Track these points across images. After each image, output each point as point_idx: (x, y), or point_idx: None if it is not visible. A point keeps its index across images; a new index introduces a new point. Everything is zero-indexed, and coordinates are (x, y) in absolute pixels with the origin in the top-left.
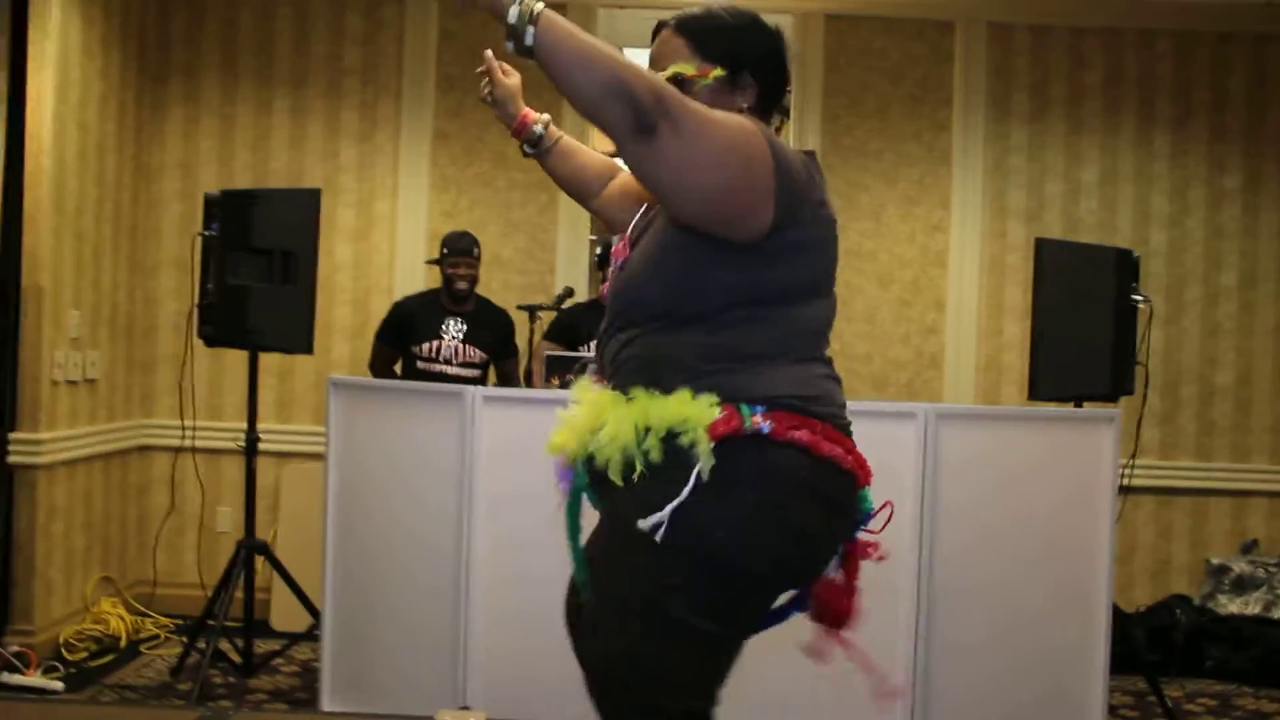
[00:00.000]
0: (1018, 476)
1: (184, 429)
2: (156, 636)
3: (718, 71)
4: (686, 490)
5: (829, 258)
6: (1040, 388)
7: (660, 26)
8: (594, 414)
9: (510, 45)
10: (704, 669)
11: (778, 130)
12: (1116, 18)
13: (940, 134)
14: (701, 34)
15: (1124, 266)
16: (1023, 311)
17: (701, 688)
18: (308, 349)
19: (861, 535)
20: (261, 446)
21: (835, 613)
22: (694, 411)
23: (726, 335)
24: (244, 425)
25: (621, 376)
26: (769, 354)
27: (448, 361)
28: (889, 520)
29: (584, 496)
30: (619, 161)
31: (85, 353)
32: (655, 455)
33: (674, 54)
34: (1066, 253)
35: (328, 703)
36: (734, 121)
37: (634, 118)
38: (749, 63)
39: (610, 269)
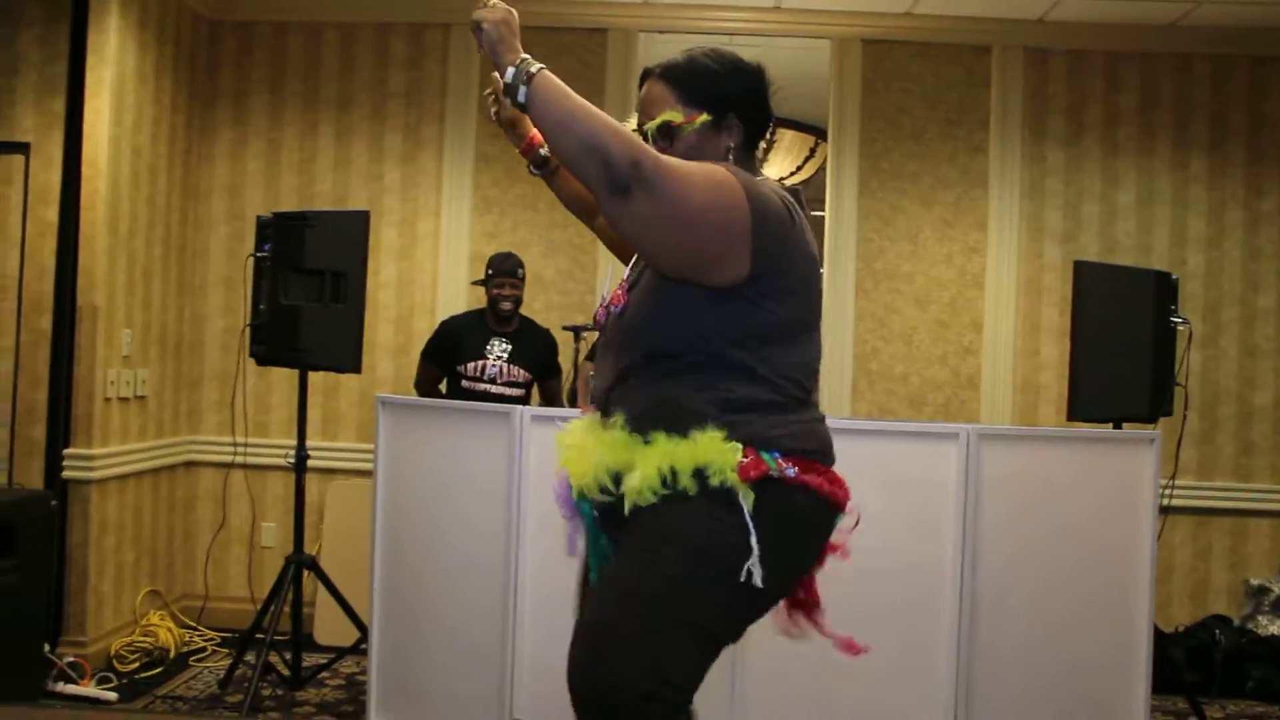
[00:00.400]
0: (1058, 496)
1: (235, 446)
2: (203, 649)
3: (704, 117)
4: (750, 524)
5: (815, 295)
6: (1080, 409)
7: (646, 75)
8: (612, 453)
9: (507, 100)
10: (687, 661)
11: (766, 151)
12: (1152, 43)
13: (976, 157)
14: (686, 81)
15: (1163, 289)
16: (1059, 332)
17: (679, 676)
18: (356, 368)
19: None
20: (293, 463)
21: (809, 598)
22: (719, 455)
23: (731, 381)
24: (289, 441)
25: (639, 422)
26: (778, 402)
27: (492, 381)
28: (855, 524)
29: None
30: None
31: (136, 370)
32: (691, 491)
33: (660, 101)
34: (1106, 275)
35: (375, 716)
36: (711, 179)
37: (609, 177)
38: (732, 105)
39: (605, 313)
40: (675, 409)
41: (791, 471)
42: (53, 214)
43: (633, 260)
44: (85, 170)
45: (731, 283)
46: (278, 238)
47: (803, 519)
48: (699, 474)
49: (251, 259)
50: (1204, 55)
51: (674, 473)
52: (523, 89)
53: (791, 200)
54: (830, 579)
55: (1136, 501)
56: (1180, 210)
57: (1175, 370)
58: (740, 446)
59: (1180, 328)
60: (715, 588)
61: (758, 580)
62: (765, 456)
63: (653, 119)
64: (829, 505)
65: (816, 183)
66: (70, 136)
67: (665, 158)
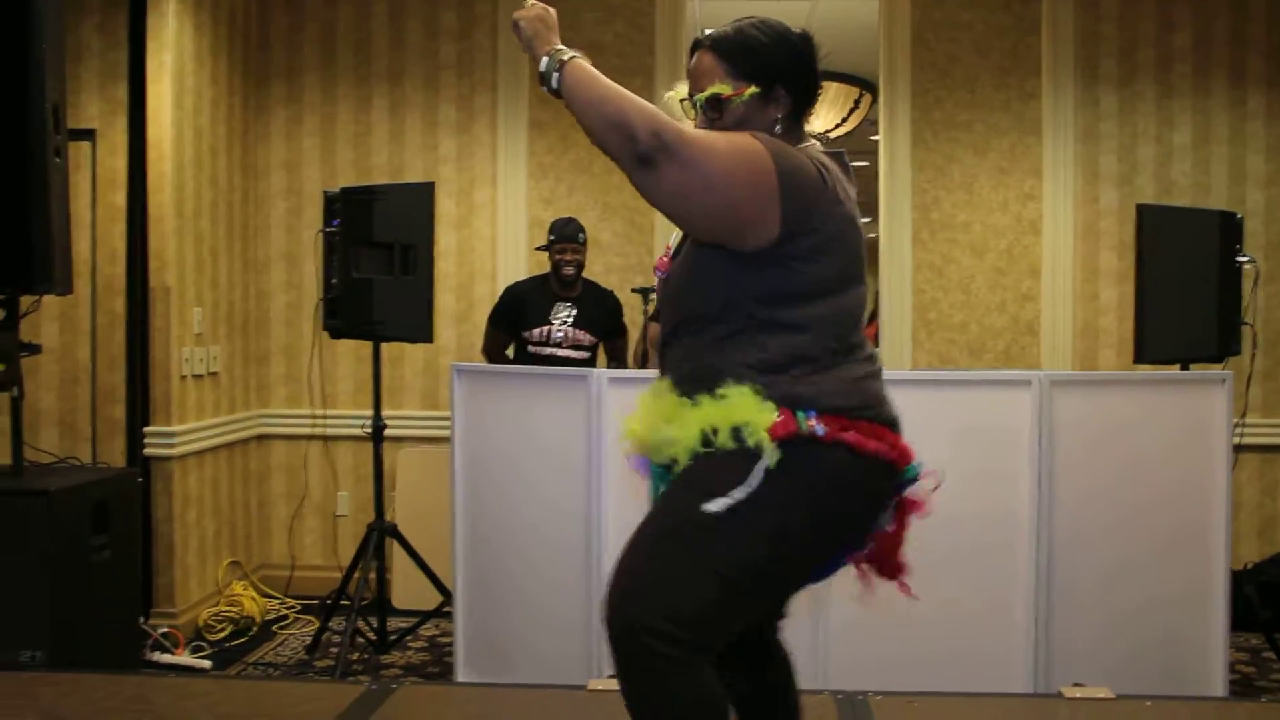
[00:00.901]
0: (1130, 438)
1: (313, 418)
2: (285, 617)
3: (752, 89)
4: (757, 480)
5: (850, 251)
6: (1148, 352)
7: (696, 46)
8: (662, 414)
9: (543, 86)
10: (706, 607)
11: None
12: None
13: (1030, 103)
14: (735, 53)
15: (1228, 229)
16: (1118, 276)
17: (692, 619)
18: (428, 338)
19: (912, 494)
20: (370, 432)
21: (891, 563)
22: (754, 415)
23: (772, 345)
24: (356, 412)
25: (685, 384)
26: (812, 357)
27: (558, 345)
28: (937, 486)
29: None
30: None
31: (208, 347)
32: (729, 449)
33: (710, 74)
34: (1169, 218)
35: (463, 675)
36: (734, 145)
37: (633, 151)
38: (780, 77)
39: (657, 282)
40: (714, 371)
41: (821, 430)
42: (121, 198)
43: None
44: (151, 154)
45: (765, 243)
46: (346, 212)
47: (838, 477)
48: (736, 433)
49: (321, 234)
50: None
51: (714, 432)
52: (555, 75)
53: (825, 162)
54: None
55: (1209, 442)
56: (1238, 148)
57: (1241, 310)
58: (775, 406)
59: (1246, 267)
60: (740, 539)
61: (716, 510)
62: (798, 415)
63: (702, 90)
64: (872, 462)
65: (860, 134)
66: (134, 121)
67: (688, 128)
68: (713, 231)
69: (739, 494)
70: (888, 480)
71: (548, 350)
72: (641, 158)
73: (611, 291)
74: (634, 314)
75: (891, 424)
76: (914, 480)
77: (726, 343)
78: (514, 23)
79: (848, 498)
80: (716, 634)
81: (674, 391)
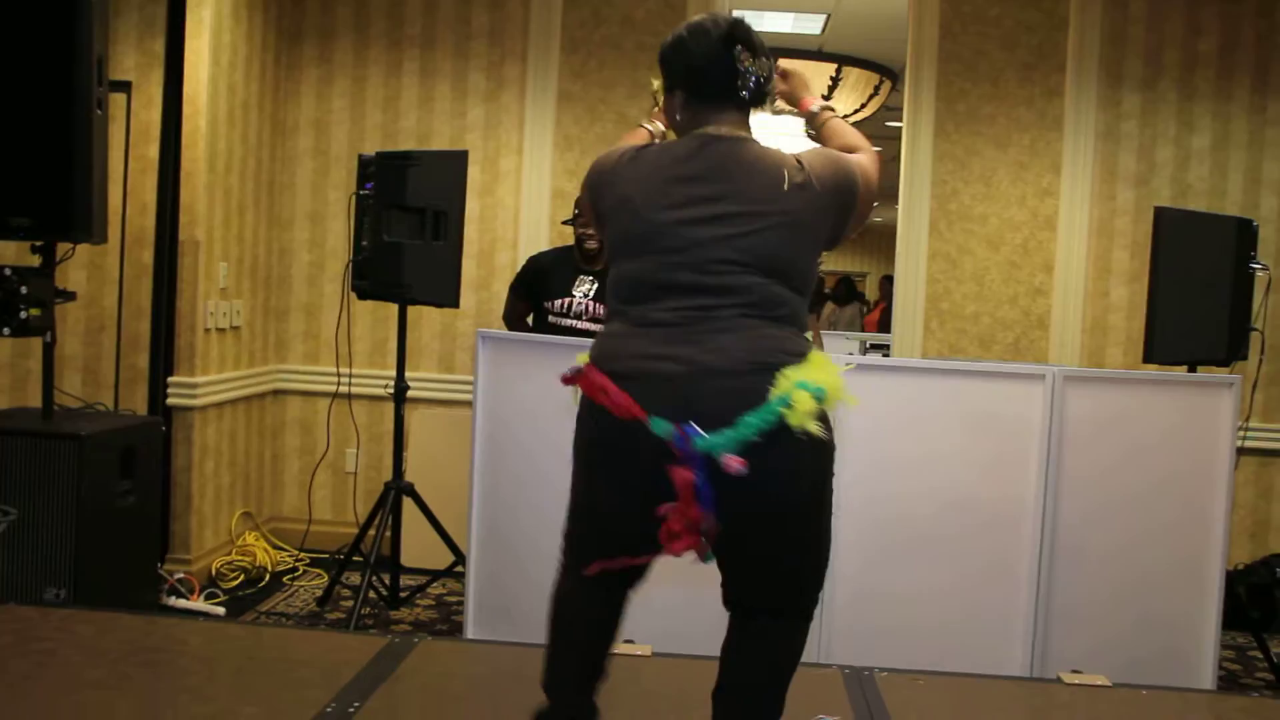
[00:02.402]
0: (1139, 437)
1: (338, 376)
2: (295, 569)
3: (656, 87)
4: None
5: (619, 227)
6: (1157, 352)
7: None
8: None
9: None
10: (567, 536)
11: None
12: None
13: (1053, 100)
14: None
15: (1244, 235)
16: (1130, 275)
17: (566, 547)
18: (455, 303)
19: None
20: (392, 392)
21: (673, 533)
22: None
23: None
24: (373, 371)
25: None
26: (605, 318)
27: (578, 317)
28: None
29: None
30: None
31: (232, 302)
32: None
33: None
34: (1186, 221)
35: (472, 633)
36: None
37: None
38: (669, 75)
39: None
40: None
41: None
42: (153, 151)
43: None
44: (186, 109)
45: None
46: (380, 176)
47: (579, 414)
48: None
49: (354, 197)
50: None
51: None
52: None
53: (645, 152)
54: (913, 514)
55: (1214, 444)
56: (1255, 154)
57: (1252, 316)
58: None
59: (1260, 274)
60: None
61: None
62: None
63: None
64: (587, 403)
65: (877, 120)
66: (170, 76)
67: None
68: None
69: None
70: (617, 427)
71: (567, 322)
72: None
73: None
74: None
75: (618, 376)
76: (667, 438)
77: None
78: (782, 72)
79: (581, 429)
80: (573, 557)
81: None
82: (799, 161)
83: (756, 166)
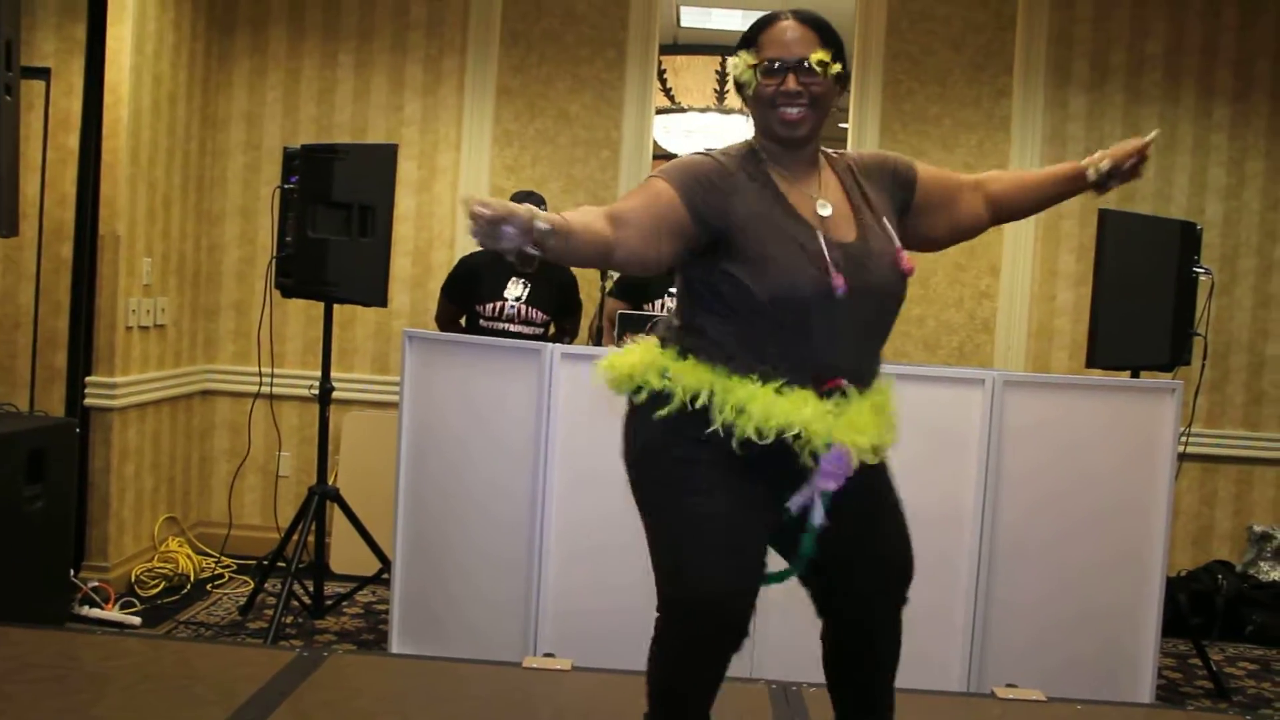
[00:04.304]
0: (1079, 442)
1: (260, 376)
2: (221, 576)
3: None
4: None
5: None
6: (1099, 356)
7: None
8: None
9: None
10: None
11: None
12: None
13: (1000, 100)
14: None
15: (1187, 239)
16: (1076, 278)
17: None
18: (383, 301)
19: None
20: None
21: None
22: None
23: None
24: (304, 372)
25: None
26: None
27: (510, 321)
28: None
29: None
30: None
31: (156, 299)
32: None
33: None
34: (1130, 224)
35: (397, 645)
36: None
37: None
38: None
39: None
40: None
41: None
42: (73, 141)
43: None
44: (107, 98)
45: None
46: (306, 170)
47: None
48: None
49: (277, 191)
50: (1232, 1)
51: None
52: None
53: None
54: None
55: (1155, 450)
56: (1201, 158)
57: (1195, 320)
58: None
59: (1202, 278)
60: None
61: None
62: None
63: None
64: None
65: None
66: (91, 63)
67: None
68: None
69: None
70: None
71: (499, 325)
72: None
73: (568, 268)
74: (590, 289)
75: None
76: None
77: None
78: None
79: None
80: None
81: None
82: None
83: None
